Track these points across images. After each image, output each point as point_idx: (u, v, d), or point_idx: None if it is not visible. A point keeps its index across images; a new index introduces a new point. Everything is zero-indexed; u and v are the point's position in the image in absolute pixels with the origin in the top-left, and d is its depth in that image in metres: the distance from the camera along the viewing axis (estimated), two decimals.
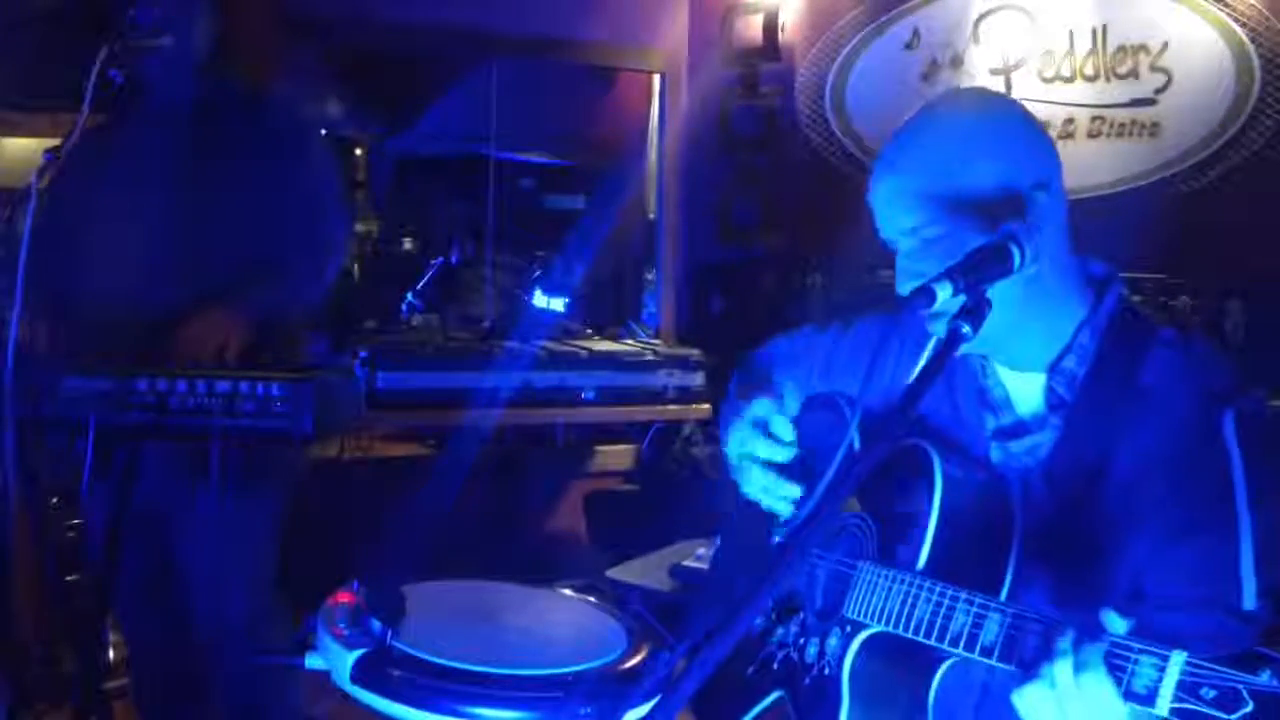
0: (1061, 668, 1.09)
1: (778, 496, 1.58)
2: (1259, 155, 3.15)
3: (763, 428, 1.61)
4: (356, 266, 5.48)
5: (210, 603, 2.30)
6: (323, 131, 2.58)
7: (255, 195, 2.33)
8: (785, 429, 1.61)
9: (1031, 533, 1.36)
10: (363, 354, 3.60)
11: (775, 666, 1.58)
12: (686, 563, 2.74)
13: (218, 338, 2.15)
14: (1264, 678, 0.98)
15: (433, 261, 5.11)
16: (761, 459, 1.60)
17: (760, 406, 1.63)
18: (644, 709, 1.41)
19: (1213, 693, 1.00)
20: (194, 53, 2.35)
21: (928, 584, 1.31)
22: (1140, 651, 1.05)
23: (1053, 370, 1.41)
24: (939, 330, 1.35)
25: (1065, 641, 1.10)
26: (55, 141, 2.02)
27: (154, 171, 2.31)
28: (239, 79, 2.43)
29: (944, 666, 1.31)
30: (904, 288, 1.42)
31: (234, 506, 2.15)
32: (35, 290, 2.26)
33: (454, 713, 1.48)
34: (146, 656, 2.46)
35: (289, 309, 2.39)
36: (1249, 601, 1.21)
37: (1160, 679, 1.03)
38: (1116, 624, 1.08)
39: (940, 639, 1.27)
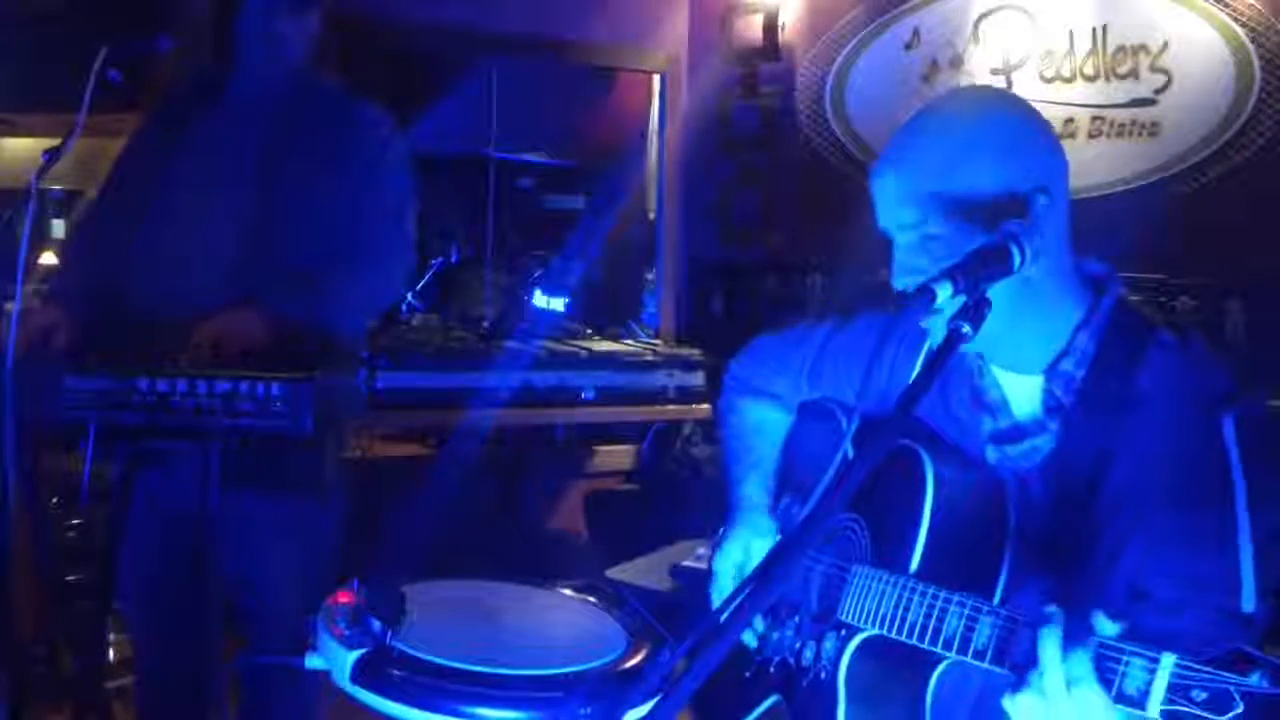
0: (1050, 676, 1.09)
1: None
2: (1259, 155, 3.15)
3: (740, 570, 1.68)
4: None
5: (245, 606, 2.28)
6: (406, 151, 2.50)
7: (323, 201, 2.27)
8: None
9: (1027, 534, 1.36)
10: (363, 354, 3.60)
11: (772, 670, 1.58)
12: (686, 563, 2.73)
13: (223, 335, 2.13)
14: (1254, 679, 0.98)
15: (433, 261, 5.12)
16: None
17: (740, 545, 1.68)
18: (644, 709, 1.41)
19: (1203, 694, 1.00)
20: (300, 54, 2.33)
21: (920, 587, 1.31)
22: (1131, 654, 1.05)
23: (1050, 373, 1.40)
24: (937, 332, 1.35)
25: (1053, 648, 1.10)
26: (55, 141, 2.02)
27: (229, 167, 2.28)
28: (329, 82, 2.40)
29: (940, 668, 1.31)
30: (899, 282, 1.42)
31: (262, 510, 2.14)
32: (86, 287, 2.25)
33: (454, 713, 1.48)
34: (154, 658, 2.45)
35: (327, 321, 2.28)
36: (1248, 604, 1.21)
37: (1151, 681, 1.03)
38: (1106, 626, 1.08)
39: (933, 642, 1.27)
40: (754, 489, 1.74)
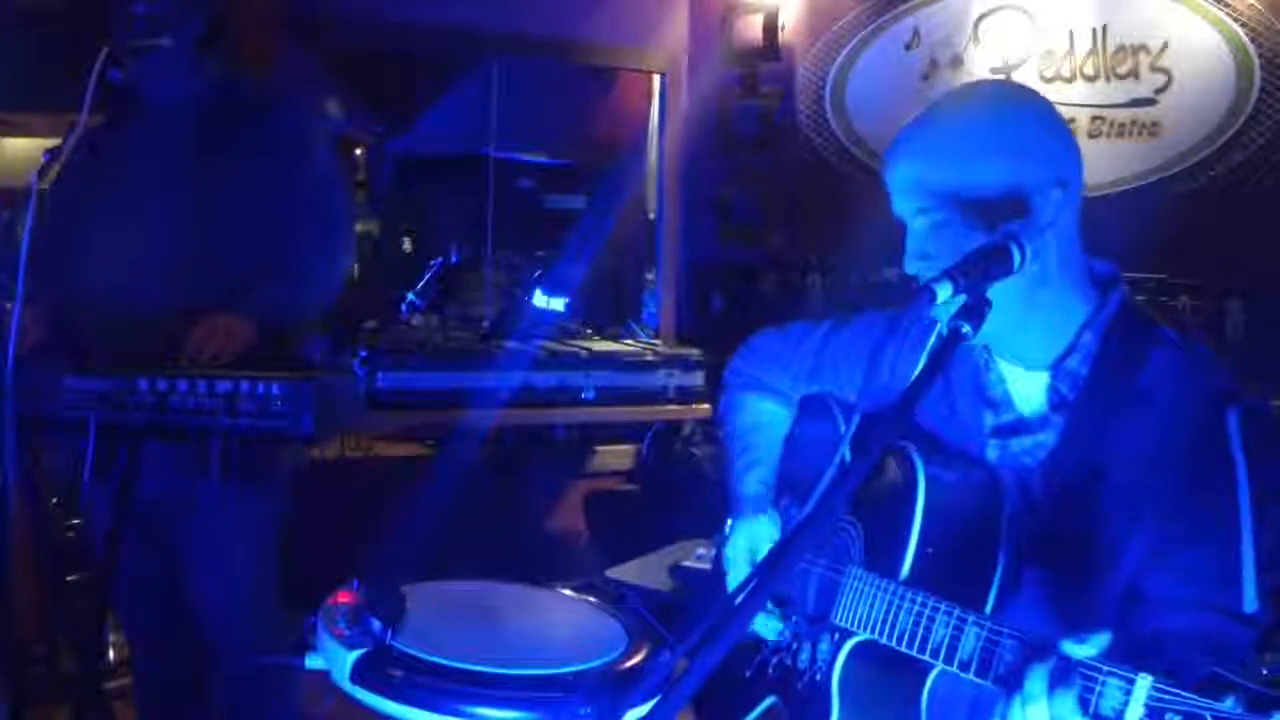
0: (1034, 709, 1.08)
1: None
2: (1259, 155, 3.15)
3: (752, 563, 1.65)
4: (356, 266, 5.49)
5: (212, 601, 2.30)
6: (329, 131, 2.53)
7: (261, 195, 2.30)
8: None
9: (1025, 533, 1.35)
10: (363, 354, 3.60)
11: (770, 672, 1.58)
12: (686, 563, 2.74)
13: (219, 341, 2.14)
14: (1228, 704, 0.97)
15: (433, 261, 5.13)
16: None
17: (747, 533, 1.67)
18: (644, 709, 1.41)
19: (1177, 718, 1.00)
20: (191, 50, 2.34)
21: (909, 593, 1.31)
22: (1108, 674, 1.05)
23: (1056, 369, 1.40)
24: (943, 322, 1.35)
25: (1038, 683, 1.09)
26: (55, 141, 2.02)
27: (158, 171, 2.29)
28: (243, 77, 2.41)
29: (934, 674, 1.30)
30: (910, 267, 1.41)
31: (233, 505, 2.15)
32: (40, 291, 2.26)
33: (454, 713, 1.48)
34: (148, 656, 2.46)
35: (296, 312, 2.36)
36: (1250, 604, 1.21)
37: (1126, 703, 1.03)
38: (1078, 650, 1.08)
39: (921, 650, 1.27)
40: (755, 484, 1.73)
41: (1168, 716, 1.00)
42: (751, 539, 1.67)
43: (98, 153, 2.38)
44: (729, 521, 1.72)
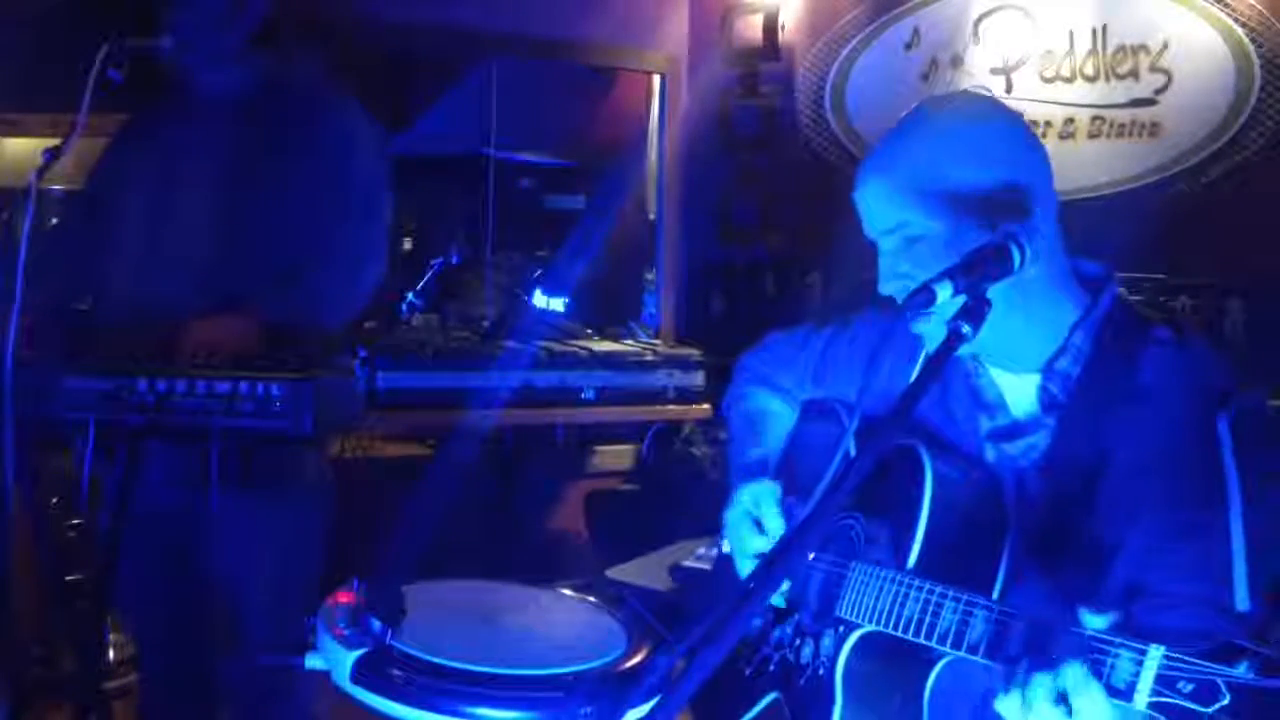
0: (1038, 697, 1.09)
1: None
2: (1259, 155, 3.15)
3: (755, 522, 1.62)
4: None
5: (229, 605, 2.29)
6: (377, 138, 2.47)
7: (293, 200, 2.28)
8: (775, 521, 1.60)
9: (1025, 531, 1.36)
10: (363, 354, 3.60)
11: (771, 668, 1.58)
12: (686, 563, 2.73)
13: (218, 340, 2.13)
14: (1241, 670, 0.98)
15: (433, 261, 5.12)
16: (753, 553, 1.60)
17: (750, 495, 1.63)
18: (644, 709, 1.41)
19: (1190, 686, 1.00)
20: (244, 43, 2.32)
21: (917, 582, 1.31)
22: (1120, 646, 1.06)
23: (1047, 371, 1.41)
24: (933, 335, 1.35)
25: (1045, 654, 1.09)
26: (55, 141, 2.02)
27: (198, 167, 2.28)
28: (294, 76, 2.39)
29: (938, 667, 1.31)
30: (886, 288, 1.42)
31: (233, 508, 2.15)
32: (61, 287, 2.25)
33: (454, 713, 1.48)
34: (152, 657, 2.45)
35: (310, 320, 2.30)
36: (1242, 601, 1.21)
37: (1138, 673, 1.04)
38: (1093, 621, 1.08)
39: (929, 637, 1.27)
40: (758, 455, 1.73)
41: (1180, 684, 1.01)
42: (754, 499, 1.63)
43: (142, 146, 2.36)
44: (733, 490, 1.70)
